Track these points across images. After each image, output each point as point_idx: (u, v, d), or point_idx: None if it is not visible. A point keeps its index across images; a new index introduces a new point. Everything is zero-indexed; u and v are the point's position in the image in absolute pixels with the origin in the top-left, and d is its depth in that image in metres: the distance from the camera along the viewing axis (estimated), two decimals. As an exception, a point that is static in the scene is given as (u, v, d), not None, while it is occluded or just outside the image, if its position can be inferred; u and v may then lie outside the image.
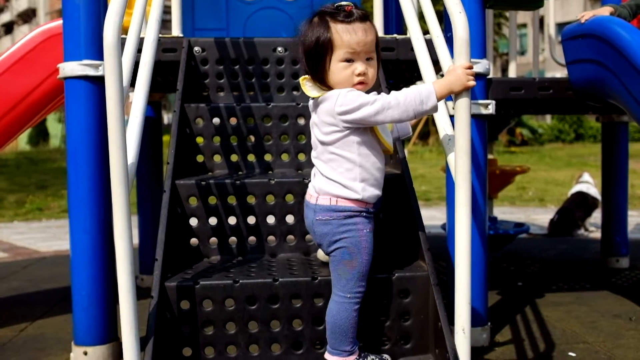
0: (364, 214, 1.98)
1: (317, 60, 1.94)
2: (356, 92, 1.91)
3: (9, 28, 55.96)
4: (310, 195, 2.03)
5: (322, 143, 1.97)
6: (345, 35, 1.91)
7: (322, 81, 1.97)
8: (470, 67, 1.92)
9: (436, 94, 1.90)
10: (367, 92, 1.98)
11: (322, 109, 1.95)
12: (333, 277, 1.99)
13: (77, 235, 2.65)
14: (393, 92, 1.92)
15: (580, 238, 5.92)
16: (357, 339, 1.98)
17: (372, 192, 1.98)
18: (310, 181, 2.07)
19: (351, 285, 1.94)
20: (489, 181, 3.24)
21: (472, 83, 1.91)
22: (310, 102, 2.02)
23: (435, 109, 1.93)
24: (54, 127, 20.39)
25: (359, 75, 1.93)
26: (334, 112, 1.91)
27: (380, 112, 1.88)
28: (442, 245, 3.00)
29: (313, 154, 2.05)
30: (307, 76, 1.99)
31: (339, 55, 1.92)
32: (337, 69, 1.92)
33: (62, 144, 18.70)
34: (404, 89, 1.92)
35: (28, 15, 52.14)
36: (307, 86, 1.98)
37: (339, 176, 1.95)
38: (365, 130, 1.96)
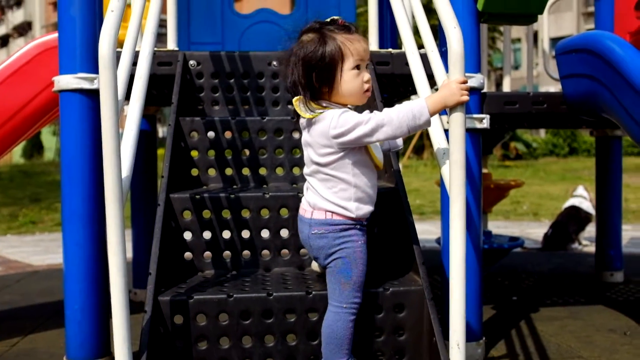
0: (358, 226, 2.01)
1: (327, 73, 1.94)
2: (349, 113, 1.92)
3: (4, 41, 56.04)
4: (305, 210, 2.04)
5: (317, 164, 1.98)
6: (353, 44, 1.95)
7: (324, 96, 1.98)
8: (465, 82, 1.93)
9: (429, 108, 1.91)
10: (361, 109, 1.99)
11: (316, 130, 1.95)
12: (329, 289, 1.99)
13: (71, 249, 2.63)
14: (386, 109, 1.93)
15: (574, 252, 5.92)
16: (352, 354, 1.97)
17: (365, 209, 2.01)
18: (303, 196, 2.07)
19: (347, 296, 1.96)
20: (484, 195, 3.24)
21: (466, 98, 1.92)
22: (302, 121, 2.01)
23: (428, 123, 1.94)
24: (49, 140, 20.38)
25: (367, 82, 1.98)
26: (328, 135, 1.92)
27: (375, 130, 1.90)
28: (437, 259, 2.99)
29: (306, 170, 2.06)
30: (300, 97, 1.98)
31: (349, 64, 1.95)
32: (349, 77, 1.95)
33: (56, 157, 18.67)
34: (397, 105, 1.93)
35: (24, 28, 52.24)
36: (301, 107, 1.98)
37: (334, 196, 1.97)
38: (360, 149, 1.98)
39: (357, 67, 1.96)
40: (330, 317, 1.97)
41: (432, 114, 1.93)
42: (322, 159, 1.96)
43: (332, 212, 1.98)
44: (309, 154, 2.01)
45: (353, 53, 1.94)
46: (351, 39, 1.96)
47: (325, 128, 1.92)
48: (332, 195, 1.98)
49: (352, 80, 1.96)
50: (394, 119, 1.90)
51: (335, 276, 1.97)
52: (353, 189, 1.98)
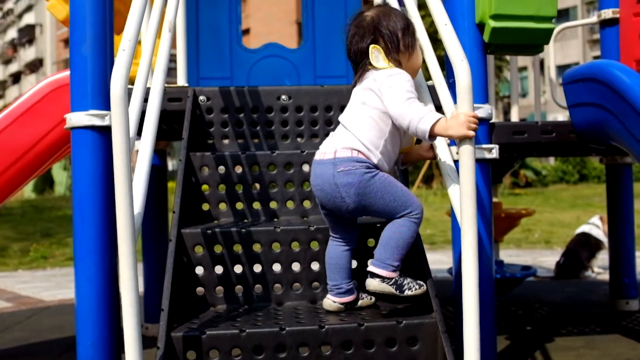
0: (378, 170, 2.14)
1: (409, 39, 2.21)
2: (411, 82, 2.13)
3: (16, 78, 56.77)
4: (325, 153, 2.15)
5: (365, 104, 2.14)
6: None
7: (396, 58, 2.20)
8: (475, 117, 1.95)
9: (435, 128, 1.99)
10: None
11: (385, 79, 2.12)
12: (388, 217, 2.12)
13: (82, 285, 2.63)
14: (416, 102, 2.09)
15: (587, 280, 5.87)
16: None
17: (383, 165, 2.15)
18: (325, 141, 2.21)
19: (409, 205, 2.09)
20: (495, 224, 3.23)
21: (472, 133, 1.95)
22: (369, 73, 2.18)
23: (424, 135, 2.02)
24: (59, 174, 20.47)
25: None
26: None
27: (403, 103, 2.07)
28: (449, 290, 2.97)
29: (344, 116, 2.20)
30: (377, 45, 2.17)
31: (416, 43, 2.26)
32: (418, 53, 2.26)
33: (67, 192, 18.75)
34: (420, 106, 2.07)
35: (35, 65, 52.97)
36: (374, 55, 2.17)
37: (365, 137, 2.11)
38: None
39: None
40: (399, 221, 2.09)
41: (433, 134, 2.00)
42: (376, 102, 2.12)
43: (359, 151, 2.10)
44: (361, 96, 2.17)
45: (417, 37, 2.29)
46: None
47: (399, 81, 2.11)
48: (364, 136, 2.11)
49: (419, 56, 2.26)
50: (413, 109, 2.04)
51: (384, 204, 2.08)
52: (383, 141, 2.12)
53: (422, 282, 2.12)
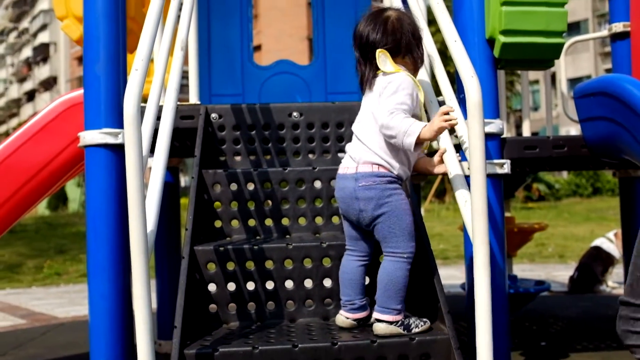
0: (400, 182, 2.20)
1: (417, 43, 2.25)
2: (412, 88, 2.18)
3: (30, 96, 57.37)
4: (347, 167, 2.19)
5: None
6: None
7: (402, 60, 2.24)
8: (449, 109, 2.06)
9: (419, 137, 2.07)
10: None
11: (385, 87, 2.16)
12: (383, 241, 2.15)
13: (96, 301, 2.65)
14: (401, 116, 2.11)
15: (602, 294, 5.81)
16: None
17: (404, 171, 2.20)
18: (346, 155, 2.24)
19: (403, 244, 2.13)
20: (507, 239, 3.22)
21: (446, 125, 2.05)
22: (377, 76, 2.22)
23: (409, 148, 2.09)
24: (73, 191, 20.60)
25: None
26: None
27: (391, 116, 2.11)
28: (462, 305, 2.96)
29: (357, 125, 2.23)
30: (384, 50, 2.19)
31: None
32: (422, 57, 2.30)
33: (80, 208, 18.86)
34: (404, 120, 2.10)
35: (49, 83, 53.52)
36: (382, 59, 2.19)
37: (383, 150, 2.15)
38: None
39: None
40: (390, 265, 2.12)
41: (419, 142, 2.08)
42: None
43: (379, 165, 2.14)
44: (370, 105, 2.19)
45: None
46: None
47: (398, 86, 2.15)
48: (380, 148, 2.15)
49: (422, 60, 2.31)
50: (400, 124, 2.08)
51: (388, 227, 2.12)
52: (399, 150, 2.16)
53: (426, 319, 2.17)
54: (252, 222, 2.63)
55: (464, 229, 2.91)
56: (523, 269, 7.14)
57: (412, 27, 2.25)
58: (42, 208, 20.31)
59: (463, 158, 2.29)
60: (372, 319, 2.16)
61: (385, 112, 2.11)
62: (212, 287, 2.34)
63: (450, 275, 6.92)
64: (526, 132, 4.46)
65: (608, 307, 5.17)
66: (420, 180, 4.93)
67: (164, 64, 2.49)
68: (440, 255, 8.80)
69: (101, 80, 2.66)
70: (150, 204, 2.04)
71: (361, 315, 2.23)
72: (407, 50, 2.24)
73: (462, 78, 2.01)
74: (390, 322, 2.10)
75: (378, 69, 2.22)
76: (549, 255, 8.85)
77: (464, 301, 2.91)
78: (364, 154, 2.17)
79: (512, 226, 4.68)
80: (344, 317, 2.23)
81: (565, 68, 4.64)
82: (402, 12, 2.31)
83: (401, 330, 2.10)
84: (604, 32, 3.94)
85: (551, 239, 10.28)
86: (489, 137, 2.70)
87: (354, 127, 2.26)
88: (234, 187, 2.63)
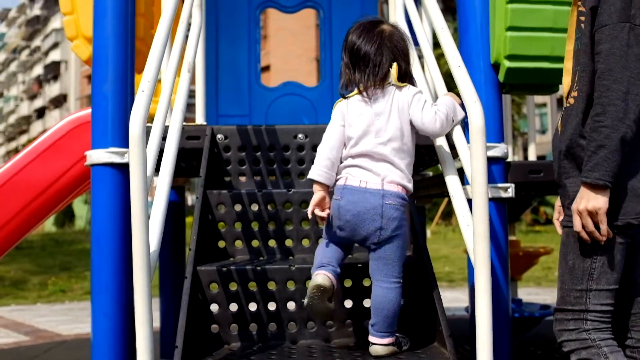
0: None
1: (407, 60, 2.27)
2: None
3: (40, 113, 57.81)
4: (367, 182, 2.14)
5: (400, 130, 2.19)
6: None
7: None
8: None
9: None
10: None
11: (412, 97, 2.21)
12: (386, 263, 2.12)
13: (99, 320, 2.65)
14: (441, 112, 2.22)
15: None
16: None
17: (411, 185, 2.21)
18: (355, 169, 2.19)
19: (399, 270, 2.13)
20: (512, 263, 3.21)
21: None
22: (391, 89, 2.22)
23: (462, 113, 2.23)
24: (80, 208, 20.68)
25: None
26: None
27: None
28: (467, 328, 2.94)
29: (379, 139, 2.16)
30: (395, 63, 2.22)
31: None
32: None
33: (87, 225, 18.90)
34: (442, 110, 2.23)
35: (59, 101, 53.93)
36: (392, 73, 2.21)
37: (406, 169, 2.18)
38: None
39: None
40: (392, 293, 2.11)
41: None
42: (408, 128, 2.21)
43: (402, 186, 2.15)
44: (393, 122, 2.18)
45: None
46: None
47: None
48: (403, 166, 2.17)
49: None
50: (445, 116, 2.22)
51: (395, 251, 2.11)
52: (410, 167, 2.21)
53: (406, 337, 2.24)
54: (255, 243, 2.64)
55: (467, 253, 2.91)
56: (529, 293, 7.09)
57: (404, 44, 2.29)
58: (48, 224, 20.37)
59: (466, 182, 2.29)
60: (370, 340, 2.15)
61: (432, 121, 2.19)
62: (214, 307, 2.34)
63: (456, 298, 6.89)
64: (532, 155, 4.46)
65: (614, 333, 5.11)
66: (426, 203, 4.92)
67: (170, 84, 2.52)
68: (446, 277, 8.76)
69: (109, 100, 2.69)
70: (154, 224, 2.05)
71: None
72: (406, 67, 2.29)
73: (465, 103, 2.03)
74: (387, 344, 2.14)
75: (383, 81, 2.19)
76: (555, 279, 8.78)
77: (469, 324, 2.90)
78: (390, 173, 2.14)
79: (517, 250, 4.67)
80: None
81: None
82: (396, 27, 2.31)
83: (396, 348, 2.16)
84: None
85: (558, 263, 10.20)
86: (493, 161, 2.71)
87: (377, 140, 2.17)
88: (238, 207, 2.64)
